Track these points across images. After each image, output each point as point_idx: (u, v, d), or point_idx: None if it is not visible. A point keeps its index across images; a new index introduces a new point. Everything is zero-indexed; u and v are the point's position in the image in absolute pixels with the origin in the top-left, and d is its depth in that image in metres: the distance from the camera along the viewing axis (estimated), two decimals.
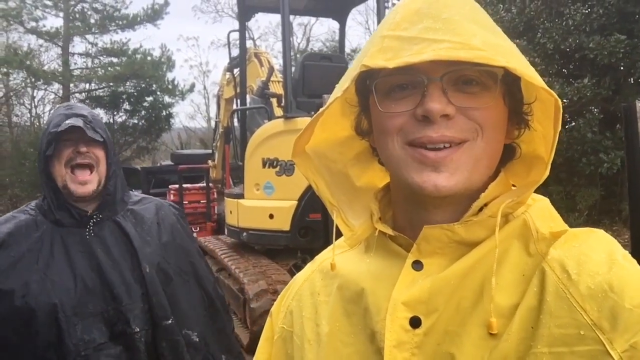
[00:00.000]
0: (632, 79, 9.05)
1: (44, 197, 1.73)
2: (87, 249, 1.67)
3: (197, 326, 1.80)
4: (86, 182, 1.66)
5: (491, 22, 0.68)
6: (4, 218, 1.72)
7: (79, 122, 1.62)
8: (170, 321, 1.69)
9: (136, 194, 1.95)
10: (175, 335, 1.70)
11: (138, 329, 1.64)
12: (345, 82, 0.69)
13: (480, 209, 0.69)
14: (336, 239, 0.83)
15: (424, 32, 0.63)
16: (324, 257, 0.87)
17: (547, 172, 0.68)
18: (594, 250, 0.65)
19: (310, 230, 4.60)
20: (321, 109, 0.73)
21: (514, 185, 0.75)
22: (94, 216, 1.70)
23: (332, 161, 0.83)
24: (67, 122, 1.63)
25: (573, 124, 8.92)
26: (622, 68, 8.71)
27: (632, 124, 3.02)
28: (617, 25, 8.35)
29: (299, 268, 4.93)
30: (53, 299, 1.57)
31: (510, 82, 0.68)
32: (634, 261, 0.65)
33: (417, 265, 0.71)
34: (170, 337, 1.69)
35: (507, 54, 0.63)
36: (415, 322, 0.68)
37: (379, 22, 5.40)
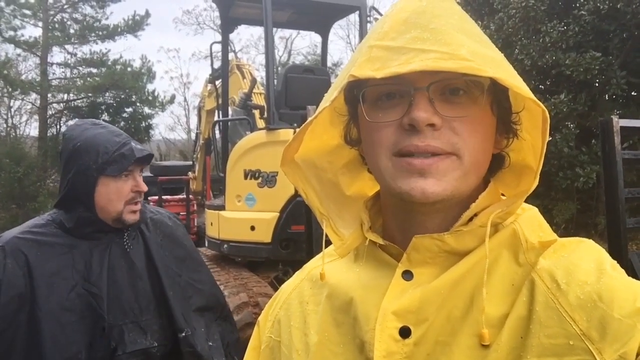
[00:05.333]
0: (607, 96, 9.24)
1: (58, 210, 1.71)
2: (113, 260, 1.68)
3: (214, 334, 1.82)
4: (137, 210, 1.72)
5: (480, 32, 0.68)
6: (26, 231, 1.67)
7: (145, 149, 1.69)
8: (184, 333, 1.70)
9: (149, 207, 1.95)
10: (189, 347, 1.70)
11: (157, 344, 1.65)
12: (334, 92, 0.69)
13: (470, 219, 0.69)
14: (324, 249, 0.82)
15: (411, 42, 0.63)
16: (313, 266, 0.87)
17: (537, 182, 0.68)
18: (583, 260, 0.66)
19: (292, 242, 4.57)
20: (310, 119, 0.73)
21: (503, 195, 0.76)
22: (129, 230, 1.74)
23: (322, 170, 0.83)
24: (137, 146, 1.68)
25: (550, 138, 9.05)
26: (597, 84, 8.90)
27: (609, 139, 3.09)
28: (593, 43, 8.55)
29: (280, 280, 4.90)
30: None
31: (498, 91, 0.68)
32: (623, 271, 0.65)
33: (407, 275, 0.70)
34: (187, 350, 1.69)
35: (495, 64, 0.63)
36: (405, 332, 0.68)
37: (361, 36, 5.46)
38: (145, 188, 1.71)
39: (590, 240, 0.70)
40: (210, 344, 1.77)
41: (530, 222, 0.72)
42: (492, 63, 0.63)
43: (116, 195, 1.65)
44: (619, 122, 3.07)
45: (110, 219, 1.67)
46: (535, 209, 0.74)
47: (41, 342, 1.52)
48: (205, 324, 1.80)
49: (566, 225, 9.54)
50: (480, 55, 0.62)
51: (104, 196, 1.64)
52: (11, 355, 1.52)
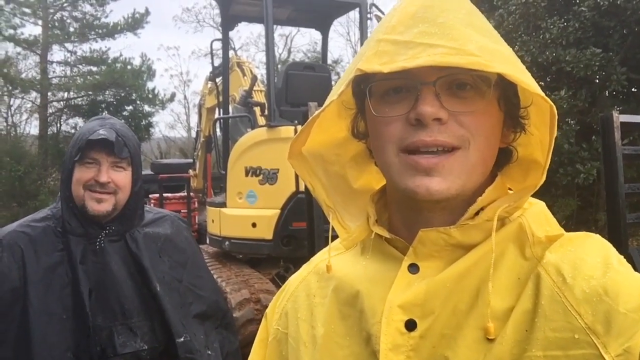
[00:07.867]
0: (607, 92, 9.21)
1: (58, 202, 1.69)
2: (101, 260, 1.64)
3: (214, 342, 1.79)
4: (102, 200, 1.63)
5: (488, 26, 0.68)
6: (25, 225, 1.66)
7: (112, 135, 1.60)
8: (182, 339, 1.67)
9: (153, 209, 1.92)
10: (189, 353, 1.68)
11: (146, 347, 1.63)
12: (341, 86, 0.69)
13: (477, 213, 0.69)
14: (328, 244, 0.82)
15: (419, 37, 0.64)
16: (319, 259, 0.87)
17: (544, 178, 0.69)
18: (590, 254, 0.66)
19: (293, 239, 4.58)
20: (317, 112, 0.73)
21: (510, 189, 0.76)
22: (107, 227, 1.67)
23: (329, 163, 0.83)
24: (101, 132, 1.60)
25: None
26: (597, 81, 8.88)
27: (610, 134, 3.09)
28: (593, 39, 8.53)
29: (281, 277, 4.91)
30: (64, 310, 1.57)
31: (506, 86, 0.68)
32: (629, 266, 0.65)
33: (413, 268, 0.71)
34: (185, 356, 1.67)
35: (503, 60, 0.63)
36: (410, 325, 0.68)
37: (361, 33, 5.45)
38: (104, 179, 1.60)
39: (597, 235, 0.70)
40: (209, 352, 1.75)
41: (537, 216, 0.72)
42: (500, 58, 0.63)
43: (77, 180, 1.62)
44: (619, 118, 3.08)
45: (83, 209, 1.63)
46: (542, 204, 0.74)
47: (30, 337, 1.52)
48: (205, 331, 1.78)
49: (566, 222, 9.53)
50: (488, 51, 0.62)
51: (73, 183, 1.63)
52: (1, 346, 1.52)
